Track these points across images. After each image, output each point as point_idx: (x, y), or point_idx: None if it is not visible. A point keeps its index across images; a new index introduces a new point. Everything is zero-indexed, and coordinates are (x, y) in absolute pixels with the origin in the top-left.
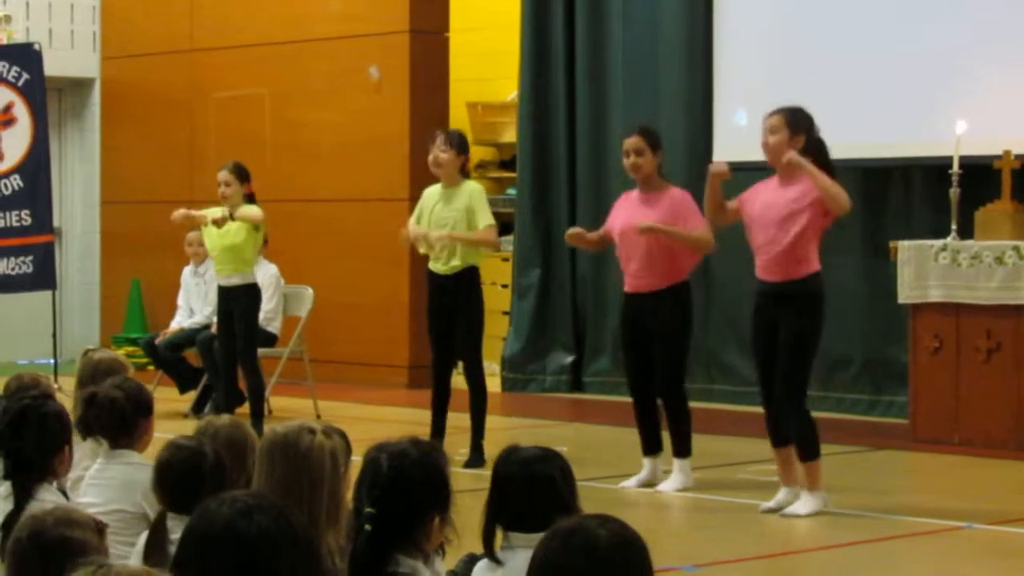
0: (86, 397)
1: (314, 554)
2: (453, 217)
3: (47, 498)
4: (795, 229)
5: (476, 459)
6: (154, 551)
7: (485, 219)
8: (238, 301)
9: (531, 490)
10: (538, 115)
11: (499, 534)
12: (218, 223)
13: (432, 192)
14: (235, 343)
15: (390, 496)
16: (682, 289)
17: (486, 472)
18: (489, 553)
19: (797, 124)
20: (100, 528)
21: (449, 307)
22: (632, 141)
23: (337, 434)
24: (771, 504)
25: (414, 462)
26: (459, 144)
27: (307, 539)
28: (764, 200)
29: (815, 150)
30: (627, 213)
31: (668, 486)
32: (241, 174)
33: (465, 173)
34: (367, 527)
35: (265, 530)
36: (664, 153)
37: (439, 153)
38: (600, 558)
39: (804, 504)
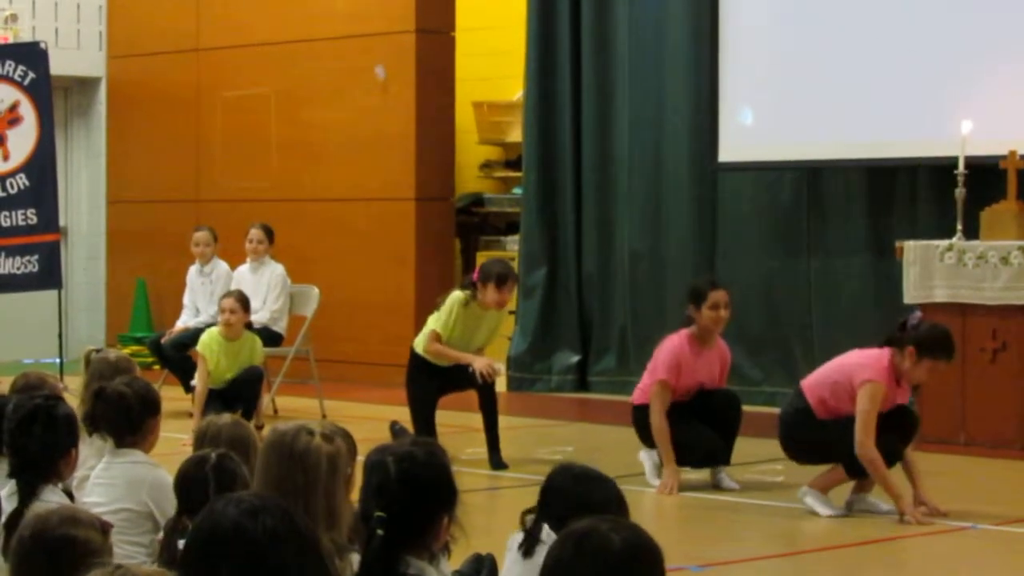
0: (95, 391)
1: (318, 554)
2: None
3: (51, 499)
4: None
5: (499, 461)
6: (166, 553)
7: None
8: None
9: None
10: (544, 114)
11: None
12: None
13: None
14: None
15: (400, 498)
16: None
17: (497, 473)
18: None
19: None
20: (104, 528)
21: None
22: (723, 295)
23: (340, 436)
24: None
25: (421, 463)
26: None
27: (312, 539)
28: None
29: None
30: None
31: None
32: (246, 303)
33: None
34: (379, 531)
35: (271, 530)
36: (670, 154)
37: (508, 296)
38: (612, 563)
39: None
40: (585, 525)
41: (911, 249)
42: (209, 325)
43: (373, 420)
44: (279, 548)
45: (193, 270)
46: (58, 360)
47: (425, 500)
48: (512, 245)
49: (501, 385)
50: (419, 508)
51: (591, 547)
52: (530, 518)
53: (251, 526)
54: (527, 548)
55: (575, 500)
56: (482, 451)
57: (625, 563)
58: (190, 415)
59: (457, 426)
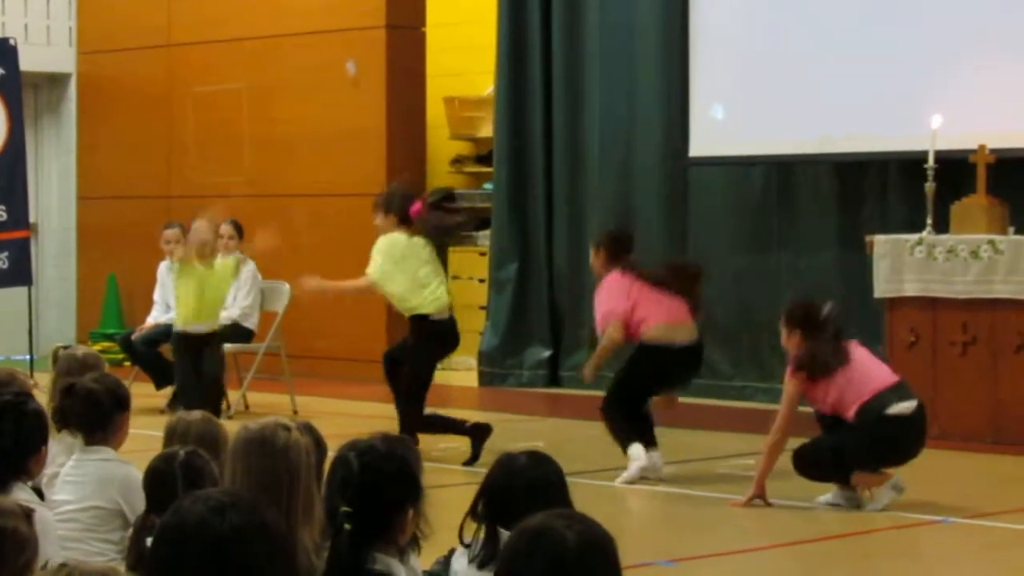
0: (64, 387)
1: (288, 551)
2: None
3: (21, 496)
4: None
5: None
6: (135, 551)
7: (370, 265)
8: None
9: (530, 498)
10: (515, 110)
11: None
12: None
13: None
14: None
15: (363, 493)
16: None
17: (469, 469)
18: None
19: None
20: (28, 514)
21: (401, 346)
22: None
23: (307, 430)
24: (828, 498)
25: (383, 457)
26: (384, 204)
27: (281, 536)
28: None
29: None
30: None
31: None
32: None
33: (407, 219)
34: (346, 525)
35: (238, 527)
36: (641, 149)
37: (375, 220)
38: (566, 560)
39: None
40: (538, 522)
41: (881, 243)
42: None
43: (344, 416)
44: (246, 546)
45: (164, 266)
46: (28, 357)
47: (389, 493)
48: (483, 240)
49: (472, 380)
50: (383, 501)
51: (545, 544)
52: (468, 534)
53: (217, 524)
54: (486, 558)
55: (540, 485)
56: (454, 446)
57: (580, 560)
58: (161, 411)
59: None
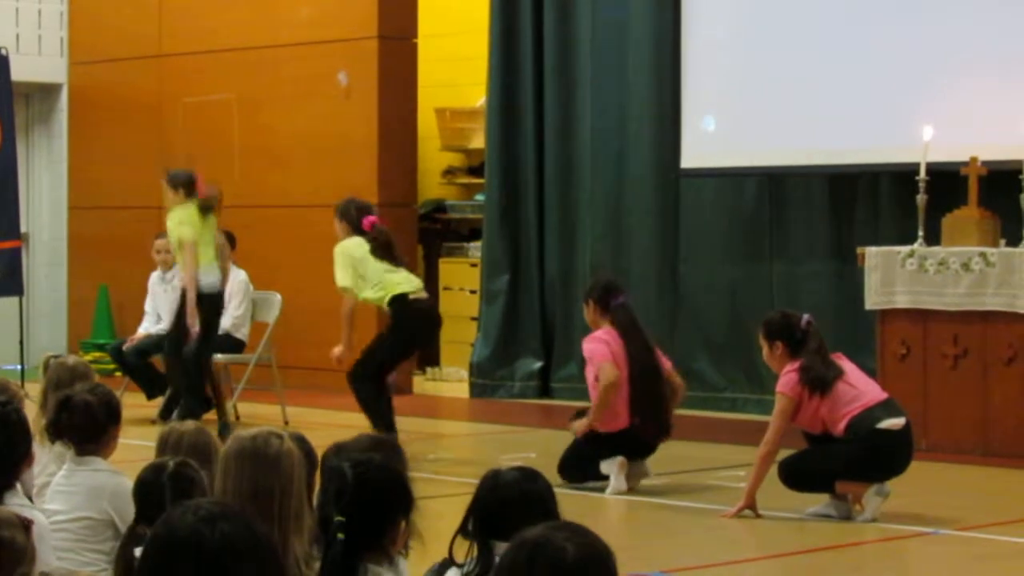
0: (60, 400)
1: (277, 562)
2: None
3: (15, 503)
4: None
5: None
6: (122, 561)
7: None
8: None
9: (520, 513)
10: (506, 120)
11: (467, 542)
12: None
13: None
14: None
15: (358, 503)
16: None
17: (461, 479)
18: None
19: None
20: (26, 525)
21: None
22: None
23: (298, 441)
24: (819, 508)
25: (378, 467)
26: (340, 212)
27: (271, 547)
28: None
29: None
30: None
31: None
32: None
33: (360, 230)
34: (339, 535)
35: (228, 537)
36: (633, 160)
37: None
38: (566, 572)
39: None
40: (538, 534)
41: (873, 255)
42: (170, 332)
43: (335, 427)
44: (236, 556)
45: (155, 277)
46: (19, 367)
47: (382, 505)
48: (474, 251)
49: (463, 391)
50: (377, 511)
51: (544, 557)
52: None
53: (208, 534)
54: (480, 573)
55: (531, 500)
56: (445, 457)
57: (579, 572)
58: (152, 422)
59: (418, 432)
